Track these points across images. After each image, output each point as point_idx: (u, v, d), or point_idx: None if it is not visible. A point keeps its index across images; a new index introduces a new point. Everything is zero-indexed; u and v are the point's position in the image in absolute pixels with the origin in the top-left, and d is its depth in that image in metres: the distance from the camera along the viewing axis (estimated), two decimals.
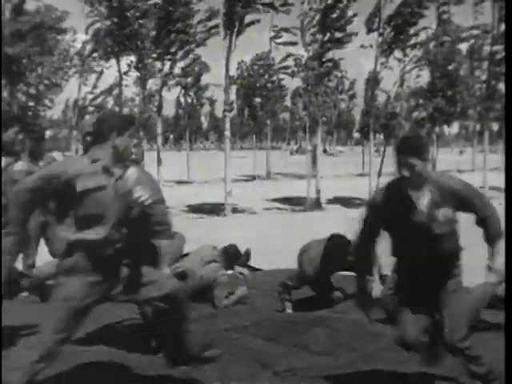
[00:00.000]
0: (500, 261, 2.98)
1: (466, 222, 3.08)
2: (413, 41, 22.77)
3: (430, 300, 3.02)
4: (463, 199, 2.93)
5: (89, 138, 4.17)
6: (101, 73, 23.50)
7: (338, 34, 20.92)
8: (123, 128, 2.80)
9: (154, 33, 19.13)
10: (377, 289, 3.24)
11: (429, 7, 21.92)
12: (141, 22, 18.41)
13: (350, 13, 20.93)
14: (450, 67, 24.38)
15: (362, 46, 22.12)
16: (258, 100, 30.75)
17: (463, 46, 25.52)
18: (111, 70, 21.92)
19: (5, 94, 17.99)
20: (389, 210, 2.97)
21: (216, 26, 20.38)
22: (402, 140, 3.07)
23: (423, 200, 2.93)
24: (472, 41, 24.87)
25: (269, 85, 30.17)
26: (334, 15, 20.65)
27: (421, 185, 2.92)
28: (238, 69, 31.01)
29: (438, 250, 2.95)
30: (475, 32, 23.99)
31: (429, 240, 2.92)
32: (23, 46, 17.78)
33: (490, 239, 2.98)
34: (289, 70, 25.92)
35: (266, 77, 30.17)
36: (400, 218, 2.94)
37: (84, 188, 2.64)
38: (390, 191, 3.02)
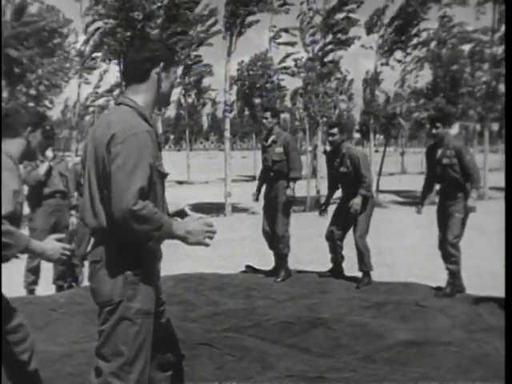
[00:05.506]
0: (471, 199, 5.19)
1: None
2: (414, 41, 22.78)
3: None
4: (460, 155, 5.31)
5: None
6: (105, 70, 23.39)
7: (340, 36, 20.88)
8: (37, 124, 2.77)
9: (156, 33, 19.12)
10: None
11: (431, 8, 21.92)
12: (143, 23, 18.40)
13: (352, 15, 20.93)
14: (454, 68, 24.36)
15: (362, 46, 22.10)
16: (257, 100, 30.76)
17: (465, 47, 25.51)
18: (113, 70, 21.89)
19: (5, 94, 17.99)
20: (429, 157, 5.69)
21: (216, 24, 20.43)
22: (432, 114, 4.41)
23: (439, 152, 5.47)
24: (471, 34, 24.73)
25: (268, 85, 30.15)
26: (338, 17, 20.62)
27: (441, 143, 5.48)
28: (238, 70, 31.02)
29: (445, 174, 5.44)
30: (477, 33, 23.96)
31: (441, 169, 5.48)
32: (24, 47, 17.77)
33: (472, 185, 5.26)
34: (289, 71, 25.92)
35: (265, 77, 30.14)
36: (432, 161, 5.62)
37: None
38: (429, 148, 5.80)
